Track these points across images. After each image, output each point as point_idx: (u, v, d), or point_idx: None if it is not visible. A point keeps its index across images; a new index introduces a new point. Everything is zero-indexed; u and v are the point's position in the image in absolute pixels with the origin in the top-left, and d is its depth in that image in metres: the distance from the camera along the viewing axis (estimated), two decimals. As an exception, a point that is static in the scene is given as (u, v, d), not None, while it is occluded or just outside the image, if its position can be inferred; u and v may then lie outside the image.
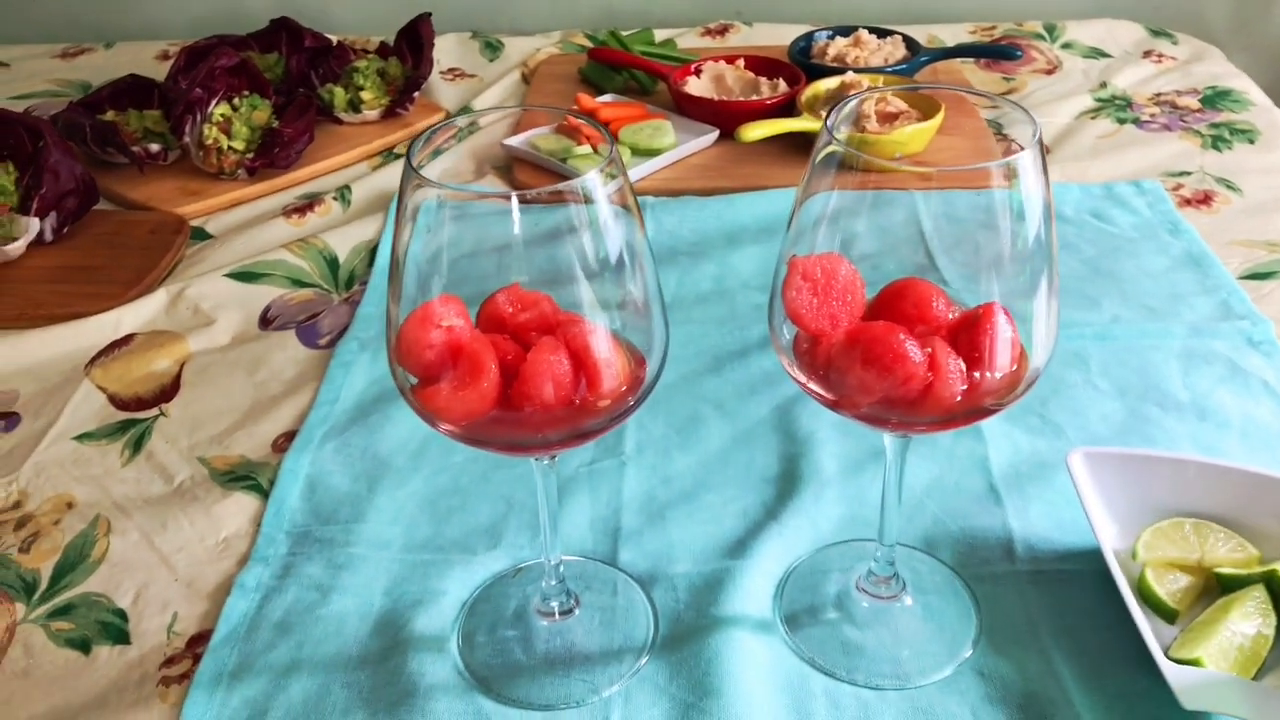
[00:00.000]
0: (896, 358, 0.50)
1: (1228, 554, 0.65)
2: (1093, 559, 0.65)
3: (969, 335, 0.52)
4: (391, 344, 0.54)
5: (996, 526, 0.71)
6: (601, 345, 0.53)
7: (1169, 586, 0.63)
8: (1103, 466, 0.68)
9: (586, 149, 1.09)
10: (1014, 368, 0.53)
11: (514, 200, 0.50)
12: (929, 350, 0.51)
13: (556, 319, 0.55)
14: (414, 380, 0.54)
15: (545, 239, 0.52)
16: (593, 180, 0.50)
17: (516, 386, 0.52)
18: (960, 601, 0.66)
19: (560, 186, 0.50)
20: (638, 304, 0.55)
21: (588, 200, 0.51)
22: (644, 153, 1.14)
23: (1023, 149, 0.50)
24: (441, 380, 0.52)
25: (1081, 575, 0.67)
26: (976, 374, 0.52)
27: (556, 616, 0.66)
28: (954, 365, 0.51)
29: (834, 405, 0.54)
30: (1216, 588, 0.64)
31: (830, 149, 0.51)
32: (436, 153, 0.55)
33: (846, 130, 0.56)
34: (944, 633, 0.64)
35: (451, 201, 0.52)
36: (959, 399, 0.52)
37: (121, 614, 0.69)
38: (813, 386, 0.54)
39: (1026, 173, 0.50)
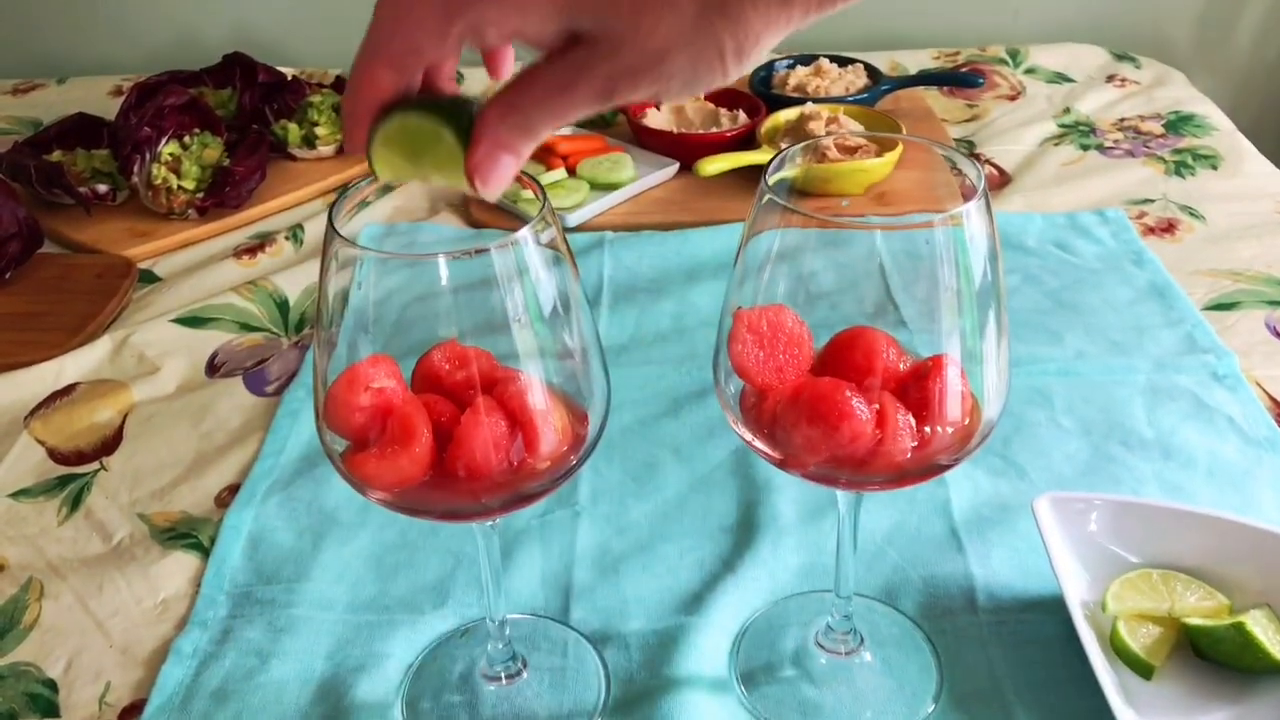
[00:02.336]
0: (842, 415, 0.48)
1: (1196, 603, 0.63)
2: (1059, 609, 0.63)
3: (919, 389, 0.50)
4: (319, 407, 0.51)
5: (959, 575, 0.69)
6: (539, 403, 0.51)
7: (1142, 640, 0.61)
8: (1069, 513, 0.66)
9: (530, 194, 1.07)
10: (966, 421, 0.51)
11: (440, 260, 0.48)
12: (876, 406, 0.49)
13: (494, 376, 0.53)
14: (344, 445, 0.52)
15: (479, 295, 0.50)
16: (524, 235, 0.48)
17: (450, 451, 0.50)
18: (921, 656, 0.64)
19: (489, 245, 0.48)
20: (576, 359, 0.52)
21: (519, 255, 0.49)
22: (603, 186, 1.12)
23: (972, 187, 0.48)
24: (371, 445, 0.50)
25: (1047, 627, 0.65)
26: (927, 429, 0.50)
27: (503, 681, 0.63)
28: (903, 421, 0.49)
29: (781, 464, 0.52)
30: (1187, 639, 0.62)
31: (768, 199, 0.49)
32: (379, 192, 0.53)
33: (802, 162, 0.54)
34: (904, 689, 0.62)
35: (377, 258, 0.49)
36: (909, 456, 0.50)
37: (51, 684, 0.66)
38: (759, 444, 0.52)
39: (971, 220, 0.48)
